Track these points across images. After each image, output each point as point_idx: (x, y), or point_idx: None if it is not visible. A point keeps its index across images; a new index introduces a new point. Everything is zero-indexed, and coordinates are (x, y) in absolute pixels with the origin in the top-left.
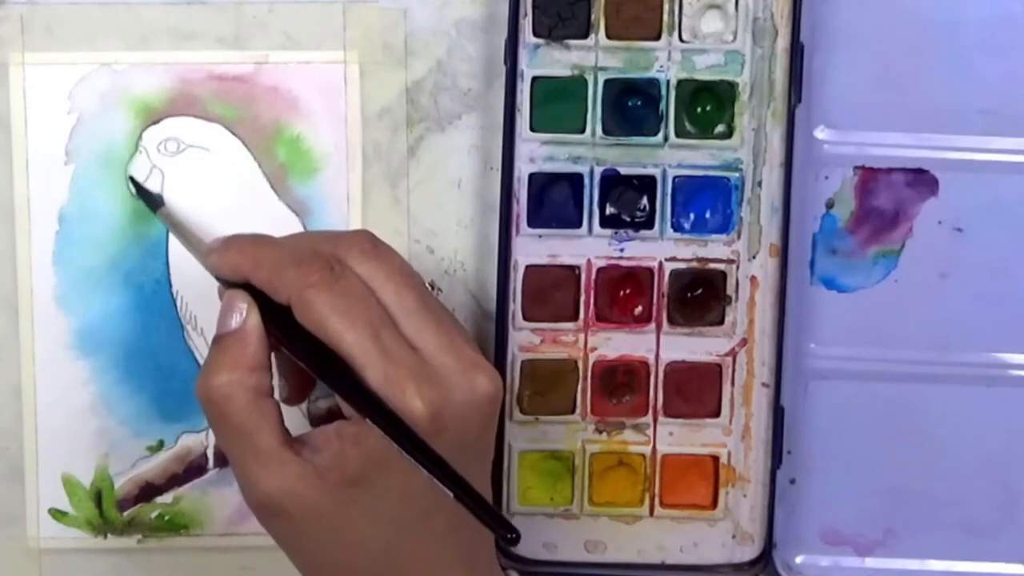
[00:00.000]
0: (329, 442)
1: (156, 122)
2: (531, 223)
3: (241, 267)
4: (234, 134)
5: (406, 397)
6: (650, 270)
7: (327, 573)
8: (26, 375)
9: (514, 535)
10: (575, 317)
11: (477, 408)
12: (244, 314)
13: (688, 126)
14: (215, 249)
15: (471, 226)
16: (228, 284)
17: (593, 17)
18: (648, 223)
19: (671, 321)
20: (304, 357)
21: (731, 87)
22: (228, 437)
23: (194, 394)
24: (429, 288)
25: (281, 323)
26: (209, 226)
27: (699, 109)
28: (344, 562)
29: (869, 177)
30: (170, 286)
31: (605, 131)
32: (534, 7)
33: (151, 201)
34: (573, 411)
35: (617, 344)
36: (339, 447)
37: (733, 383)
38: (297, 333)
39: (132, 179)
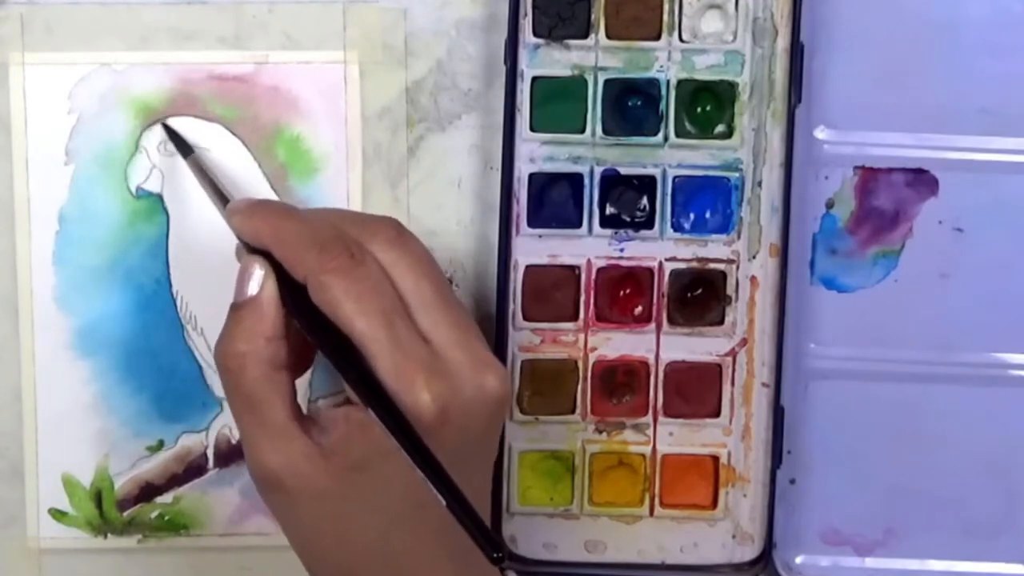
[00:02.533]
0: (337, 424)
1: (156, 122)
2: (531, 223)
3: (263, 237)
4: (234, 134)
5: (414, 389)
6: (650, 270)
7: (320, 553)
8: (26, 375)
9: (499, 554)
10: (575, 317)
11: (484, 406)
12: (261, 282)
13: (688, 126)
14: (240, 211)
15: (471, 226)
16: (248, 248)
17: (593, 17)
18: (648, 223)
19: (671, 321)
20: (316, 336)
21: (731, 87)
22: (240, 407)
23: (194, 390)
24: (449, 282)
25: (296, 298)
26: (210, 224)
27: (699, 109)
28: (338, 544)
29: (869, 177)
30: (170, 286)
31: (605, 131)
32: (534, 7)
33: (182, 147)
34: (573, 411)
35: (617, 344)
36: (346, 431)
37: (733, 383)
38: (311, 311)
39: (165, 125)
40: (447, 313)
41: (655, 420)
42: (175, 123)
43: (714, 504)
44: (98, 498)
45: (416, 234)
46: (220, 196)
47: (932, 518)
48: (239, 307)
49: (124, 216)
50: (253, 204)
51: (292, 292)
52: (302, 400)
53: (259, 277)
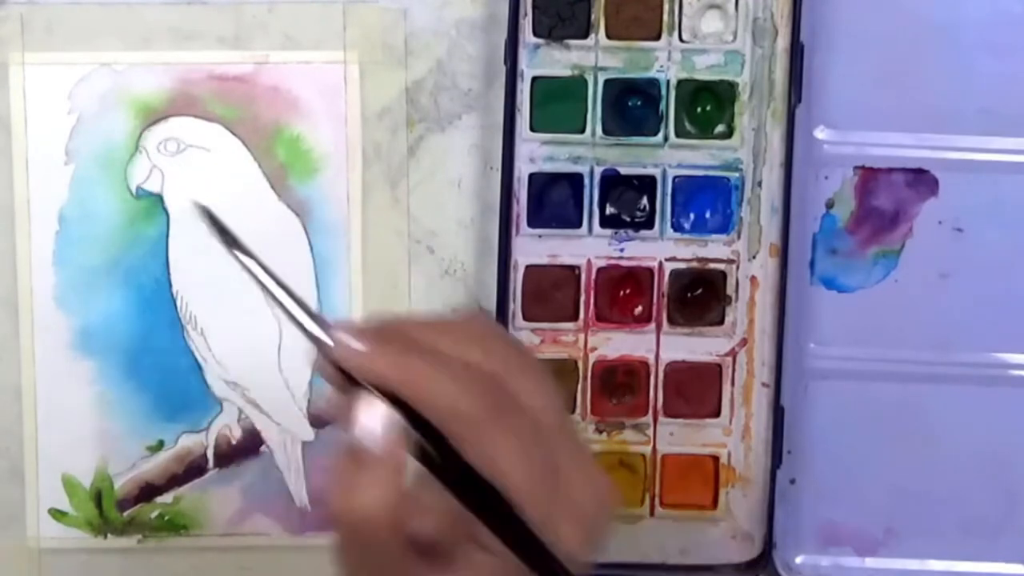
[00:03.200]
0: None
1: (156, 122)
2: (531, 223)
3: (390, 382)
4: (234, 134)
5: (560, 533)
6: (650, 270)
7: None
8: (26, 375)
9: None
10: (575, 317)
11: (609, 526)
12: (386, 428)
13: (688, 126)
14: (349, 346)
15: (471, 226)
16: (356, 381)
17: (593, 17)
18: (648, 223)
19: (671, 321)
20: (457, 488)
21: (731, 87)
22: (362, 565)
23: (194, 390)
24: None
25: (435, 446)
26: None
27: (699, 109)
28: None
29: (869, 177)
30: (170, 286)
31: (605, 131)
32: (534, 7)
33: (225, 236)
34: (573, 411)
35: (617, 344)
36: None
37: (733, 383)
38: (446, 456)
39: (205, 209)
40: (570, 438)
41: (655, 420)
42: (174, 123)
43: (714, 504)
44: (98, 498)
45: (416, 234)
46: (294, 306)
47: (932, 518)
48: (364, 455)
49: (124, 216)
50: (364, 334)
51: (429, 440)
52: (303, 400)
53: (384, 423)
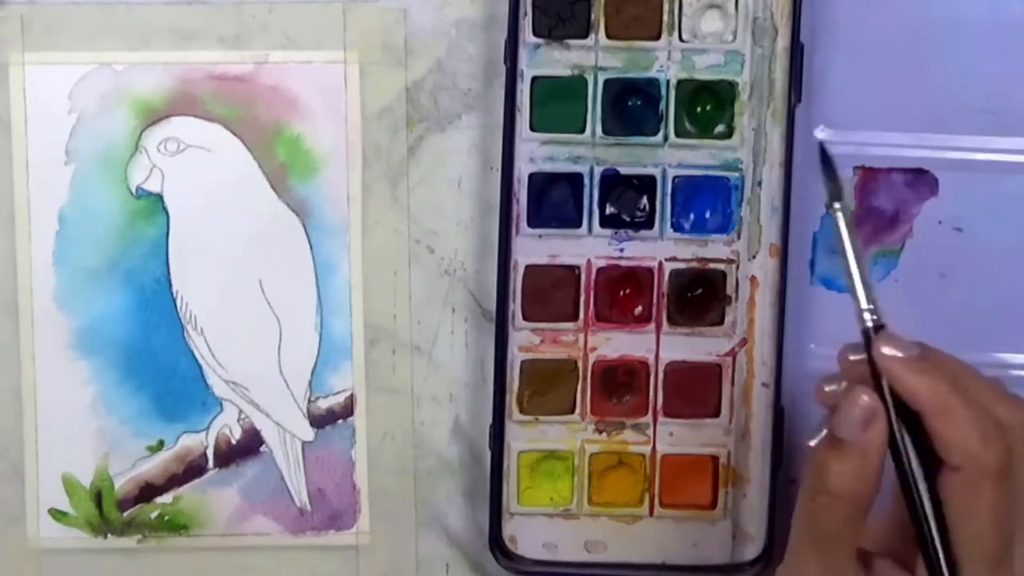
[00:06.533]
0: None
1: (156, 122)
2: (531, 223)
3: (919, 400)
4: (234, 134)
5: None
6: (650, 270)
7: None
8: (26, 375)
9: None
10: (575, 317)
11: None
12: (868, 424)
13: (688, 126)
14: (908, 362)
15: (471, 226)
16: (874, 380)
17: (593, 17)
18: (648, 223)
19: (671, 321)
20: (913, 507)
21: (731, 87)
22: (809, 543)
23: (194, 390)
24: None
25: (924, 466)
26: (210, 224)
27: (699, 109)
28: None
29: (869, 177)
30: (170, 286)
31: (605, 131)
32: (534, 7)
33: (832, 187)
34: (573, 411)
35: (617, 344)
36: None
37: (733, 383)
38: (929, 488)
39: (822, 146)
40: None
41: (655, 420)
42: (174, 123)
43: (714, 504)
44: (98, 498)
45: (416, 234)
46: (864, 289)
47: None
48: (846, 446)
49: (124, 216)
50: (925, 357)
51: (924, 467)
52: (303, 400)
53: (868, 419)
